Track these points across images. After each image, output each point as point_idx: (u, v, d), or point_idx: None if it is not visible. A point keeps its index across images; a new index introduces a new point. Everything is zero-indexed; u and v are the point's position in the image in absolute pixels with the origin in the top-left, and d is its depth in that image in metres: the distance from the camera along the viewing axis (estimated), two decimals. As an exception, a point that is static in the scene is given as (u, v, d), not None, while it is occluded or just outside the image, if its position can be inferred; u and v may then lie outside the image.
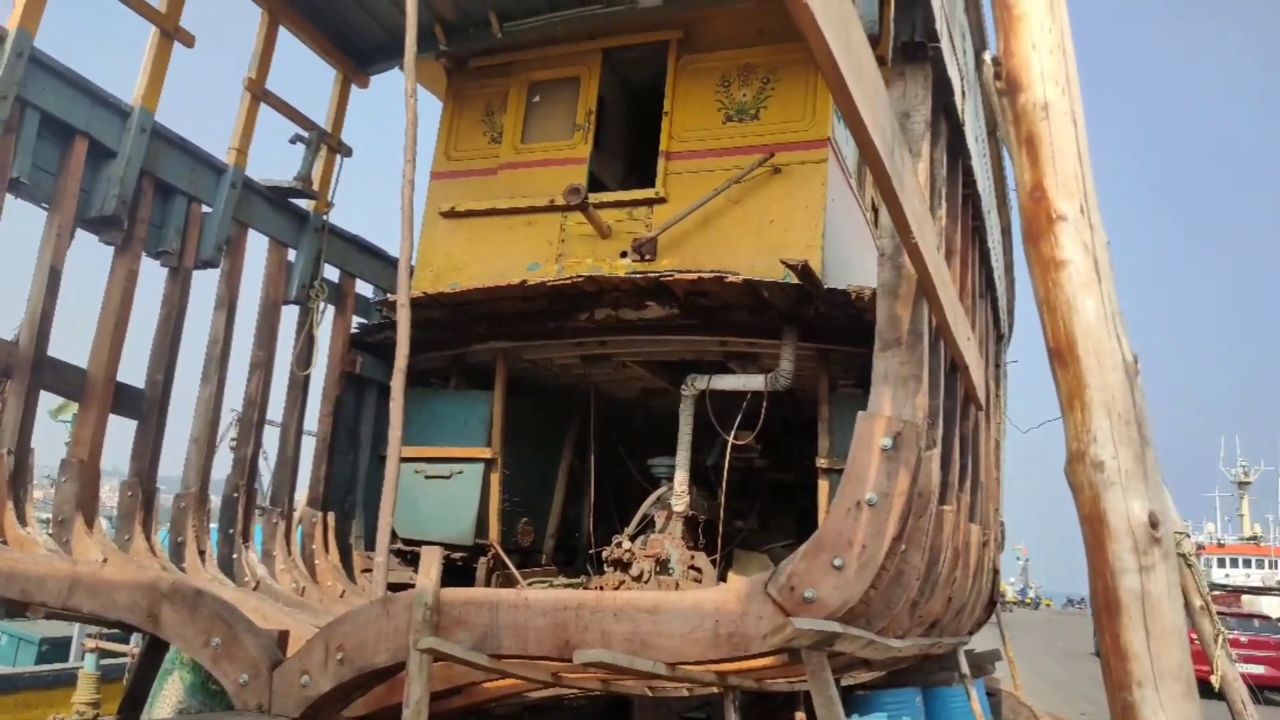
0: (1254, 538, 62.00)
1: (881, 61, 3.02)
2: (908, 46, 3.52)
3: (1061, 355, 1.62)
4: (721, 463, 8.56)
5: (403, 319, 5.12)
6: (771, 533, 8.84)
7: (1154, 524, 1.56)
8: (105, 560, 5.31)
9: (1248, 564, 56.05)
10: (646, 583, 7.10)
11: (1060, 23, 1.73)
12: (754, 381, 7.08)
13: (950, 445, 4.28)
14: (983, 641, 8.72)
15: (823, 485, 6.67)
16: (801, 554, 3.12)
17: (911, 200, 2.75)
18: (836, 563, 3.05)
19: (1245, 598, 37.75)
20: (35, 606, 4.33)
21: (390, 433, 4.98)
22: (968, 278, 5.04)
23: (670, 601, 3.30)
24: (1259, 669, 20.27)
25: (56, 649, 13.46)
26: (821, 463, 6.66)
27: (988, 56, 4.76)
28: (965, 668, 6.11)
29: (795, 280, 6.09)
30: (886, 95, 2.49)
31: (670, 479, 7.79)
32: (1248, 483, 66.07)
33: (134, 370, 6.29)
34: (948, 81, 3.79)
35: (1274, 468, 66.20)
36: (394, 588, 5.91)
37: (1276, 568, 53.19)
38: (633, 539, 7.41)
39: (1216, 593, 47.23)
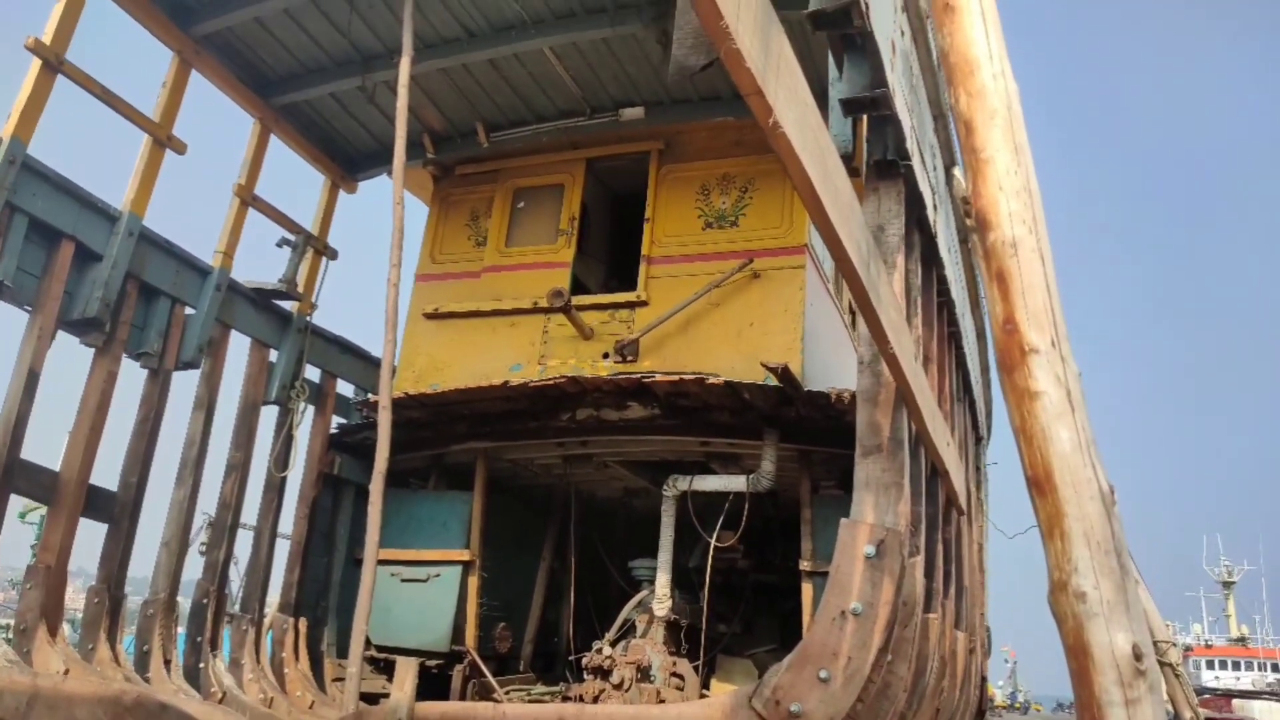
0: (1241, 638, 61.23)
1: (855, 173, 3.14)
2: (880, 164, 3.66)
3: (1040, 484, 1.64)
4: (704, 564, 8.42)
5: (384, 421, 5.12)
6: (756, 637, 8.65)
7: (1138, 656, 1.55)
8: (67, 671, 5.12)
9: (1236, 665, 55.16)
10: (627, 690, 6.89)
11: (1025, 165, 1.83)
12: (736, 482, 7.06)
13: (934, 551, 4.27)
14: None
15: (806, 588, 6.58)
16: (786, 666, 3.07)
17: (888, 311, 2.82)
18: (822, 675, 3.00)
19: (1236, 702, 37.07)
20: (-11, 723, 4.14)
21: (368, 535, 4.91)
22: (945, 382, 5.12)
23: (652, 716, 3.21)
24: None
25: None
26: (805, 565, 6.59)
27: (957, 171, 4.95)
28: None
29: (775, 382, 6.15)
30: (861, 215, 2.58)
31: (652, 581, 7.64)
32: (1232, 582, 65.64)
33: (107, 472, 6.21)
34: (920, 196, 3.93)
35: (1256, 567, 65.96)
36: (366, 698, 5.72)
37: (1265, 670, 52.36)
38: (613, 644, 7.23)
39: (1207, 696, 46.43)
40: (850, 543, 3.12)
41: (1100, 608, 1.56)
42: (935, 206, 4.41)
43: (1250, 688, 45.41)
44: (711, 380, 6.27)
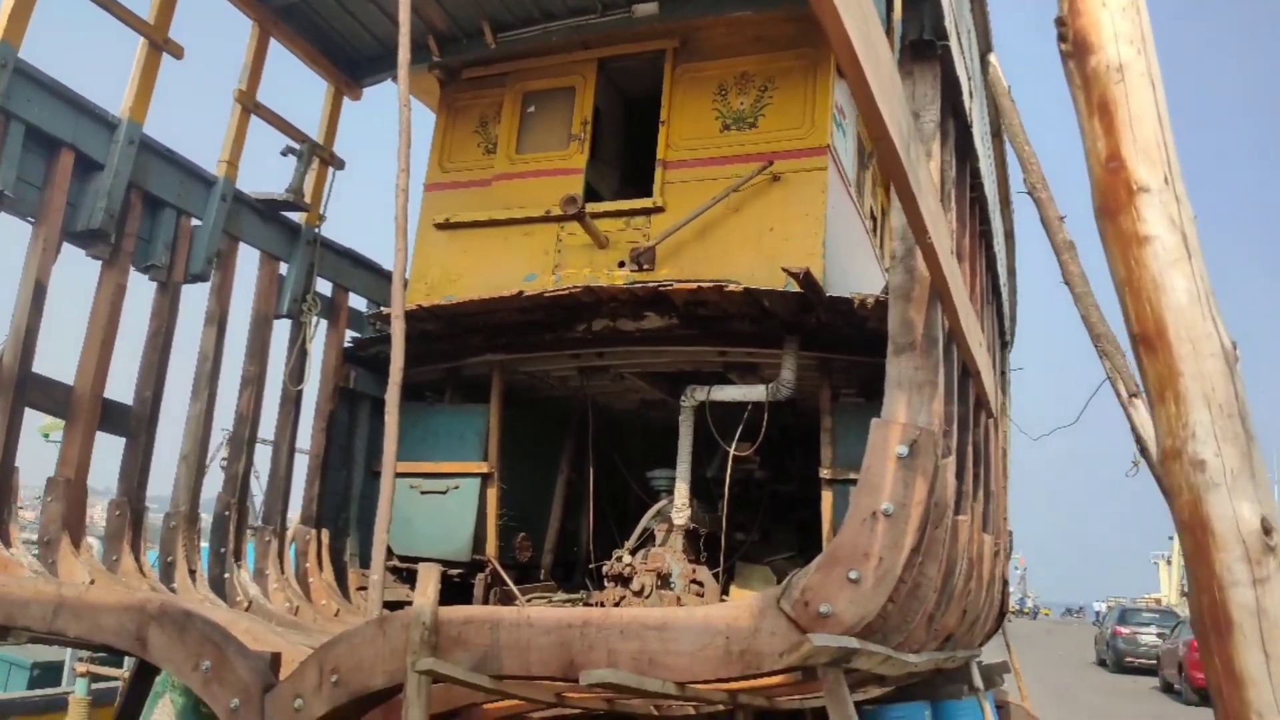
0: (1250, 545, 61.87)
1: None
2: (916, 45, 3.43)
3: (1149, 341, 1.49)
4: (721, 475, 8.43)
5: (398, 331, 5.00)
6: (773, 545, 8.70)
7: (1267, 530, 1.42)
8: (92, 581, 5.17)
9: (1244, 572, 55.82)
10: (648, 597, 6.96)
11: (1133, -23, 1.63)
12: (755, 392, 6.97)
13: (964, 453, 4.18)
14: (987, 653, 8.59)
15: (826, 496, 6.56)
16: (815, 567, 3.00)
17: (927, 199, 2.66)
18: (852, 576, 2.94)
19: None
20: (19, 631, 4.18)
21: (385, 447, 4.85)
22: (976, 283, 4.95)
23: (679, 618, 3.18)
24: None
25: (48, 673, 13.24)
26: (825, 473, 6.55)
27: (993, 58, 4.69)
28: (979, 680, 5.98)
29: (796, 289, 6.00)
30: (902, 89, 2.40)
31: (670, 492, 7.66)
32: (1243, 490, 66.03)
33: (123, 387, 6.17)
34: (956, 81, 3.71)
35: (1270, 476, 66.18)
36: (390, 606, 5.78)
37: (1273, 575, 52.97)
38: (633, 553, 7.29)
39: None
40: (882, 443, 3.02)
41: (1223, 477, 1.43)
42: (971, 95, 4.18)
43: (1257, 593, 46.01)
44: (730, 288, 6.12)
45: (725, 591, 7.37)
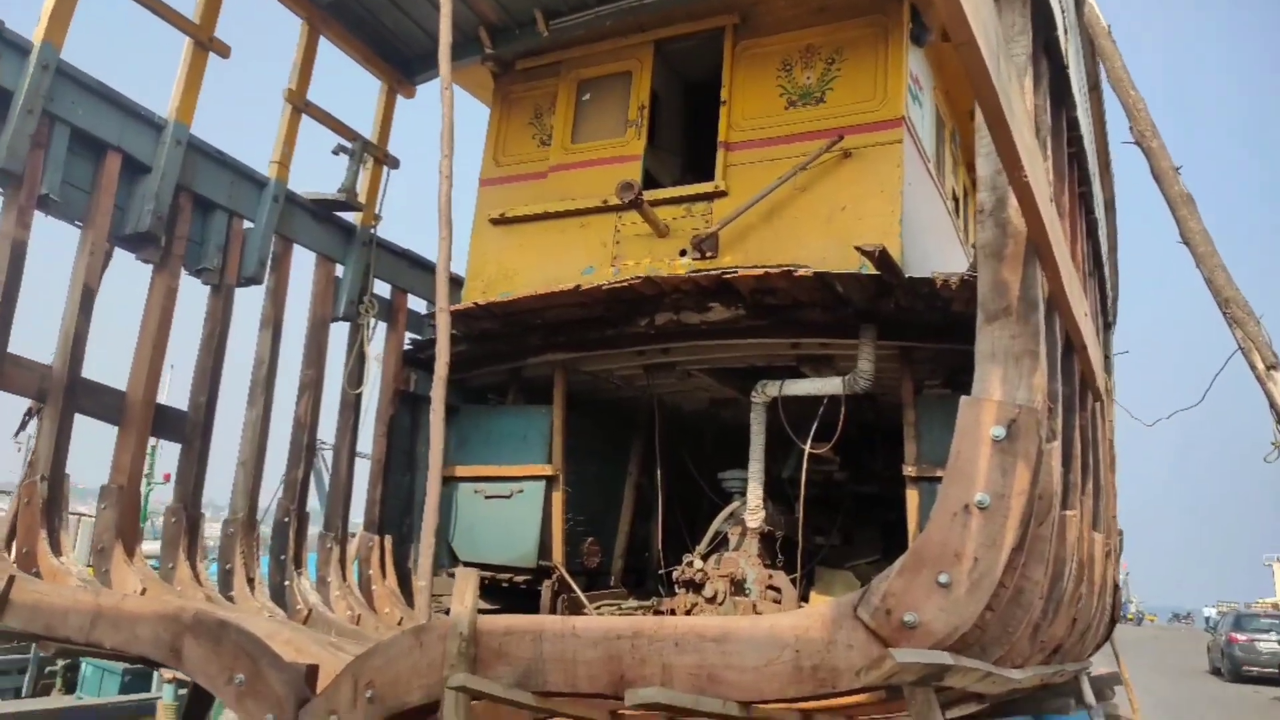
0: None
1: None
2: (1000, -34, 2.99)
3: None
4: (798, 475, 8.00)
5: (442, 323, 4.75)
6: (856, 548, 8.24)
7: None
8: (144, 590, 5.04)
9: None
10: (721, 604, 6.59)
11: None
12: (830, 385, 6.53)
13: (1070, 438, 3.69)
14: (1095, 662, 7.92)
15: (911, 495, 6.08)
16: (898, 570, 2.58)
17: (1021, 129, 2.23)
18: (942, 580, 2.51)
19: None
20: (56, 642, 4.03)
21: (431, 444, 4.61)
22: (1076, 248, 4.42)
23: (742, 629, 2.79)
24: None
25: (139, 679, 13.58)
26: (909, 470, 6.07)
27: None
28: (1090, 697, 5.41)
29: (872, 270, 5.55)
30: (988, -10, 1.97)
31: (743, 493, 7.31)
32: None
33: (178, 393, 6.09)
34: (1049, 12, 3.24)
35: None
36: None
37: None
38: (705, 558, 6.93)
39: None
40: (974, 424, 2.58)
41: None
42: (1066, 33, 3.69)
43: None
44: (800, 272, 5.70)
45: (804, 598, 6.94)
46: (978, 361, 2.65)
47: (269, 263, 6.58)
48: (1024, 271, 2.61)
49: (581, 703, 3.08)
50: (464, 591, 3.18)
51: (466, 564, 7.15)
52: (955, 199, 8.08)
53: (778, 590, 6.79)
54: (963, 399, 2.62)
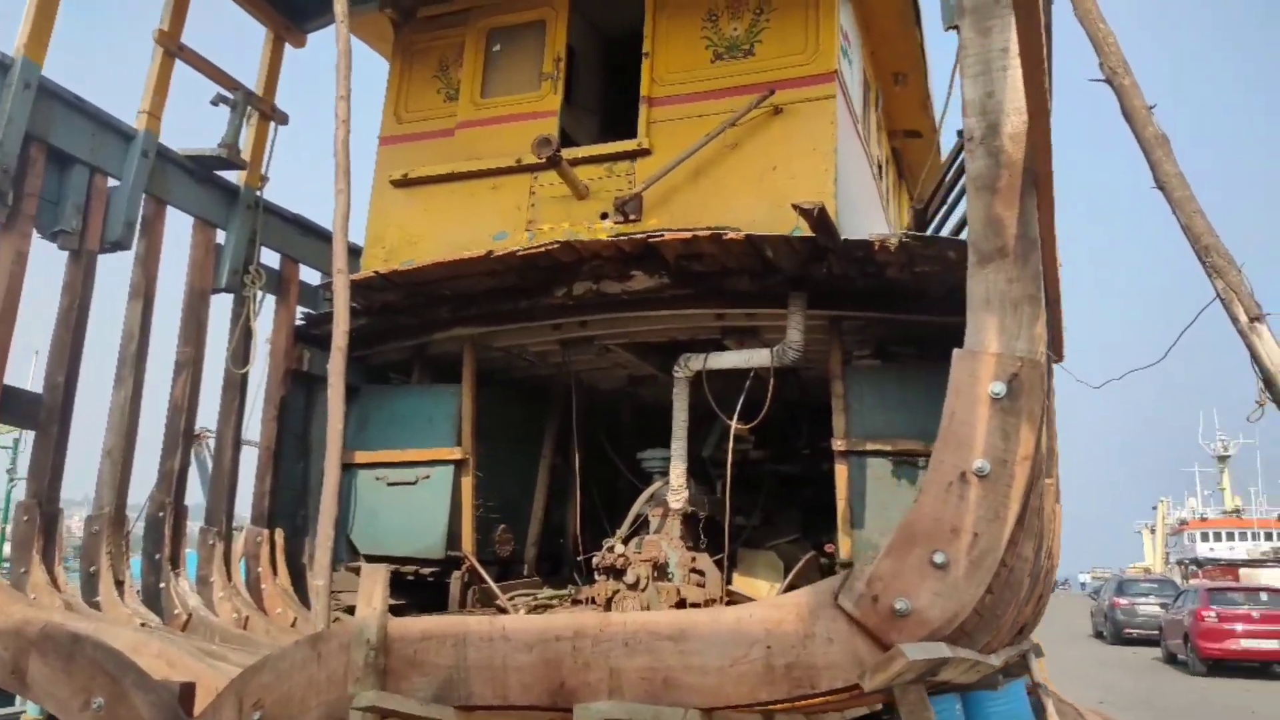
0: (1236, 510, 62.15)
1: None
2: None
3: None
4: (718, 455, 7.72)
5: (340, 286, 4.22)
6: (776, 528, 8.00)
7: None
8: (-12, 600, 4.33)
9: (1231, 536, 56.00)
10: (644, 590, 6.24)
11: None
12: (758, 357, 6.23)
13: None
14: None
15: (840, 470, 5.83)
16: (887, 550, 2.23)
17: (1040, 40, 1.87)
18: (937, 559, 2.18)
19: (1243, 571, 37.35)
20: None
21: (329, 425, 4.09)
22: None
23: (701, 624, 2.40)
24: (1273, 644, 19.67)
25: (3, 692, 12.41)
26: (839, 445, 5.82)
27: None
28: (1037, 673, 5.26)
29: (805, 233, 5.24)
30: None
31: (664, 473, 7.00)
32: (1227, 456, 66.27)
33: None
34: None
35: (1253, 440, 66.46)
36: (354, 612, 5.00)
37: (1259, 539, 53.12)
38: (626, 541, 6.56)
39: (1210, 567, 47.02)
40: (969, 380, 2.25)
41: None
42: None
43: (1247, 556, 46.01)
44: (730, 235, 5.34)
45: (728, 580, 6.66)
46: (970, 310, 2.32)
47: (138, 226, 5.83)
48: (1021, 206, 2.29)
49: (514, 716, 2.64)
50: (371, 591, 2.69)
51: (367, 557, 6.59)
52: (879, 165, 7.88)
53: (701, 574, 6.49)
54: (956, 352, 2.28)
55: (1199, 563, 51.06)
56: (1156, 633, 25.06)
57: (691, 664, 2.38)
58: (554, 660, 2.52)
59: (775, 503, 8.33)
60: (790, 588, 6.27)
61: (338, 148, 4.16)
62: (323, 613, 3.59)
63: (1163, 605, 26.11)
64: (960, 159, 6.16)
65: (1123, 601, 28.69)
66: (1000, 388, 2.22)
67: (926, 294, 5.74)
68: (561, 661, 2.51)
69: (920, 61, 7.93)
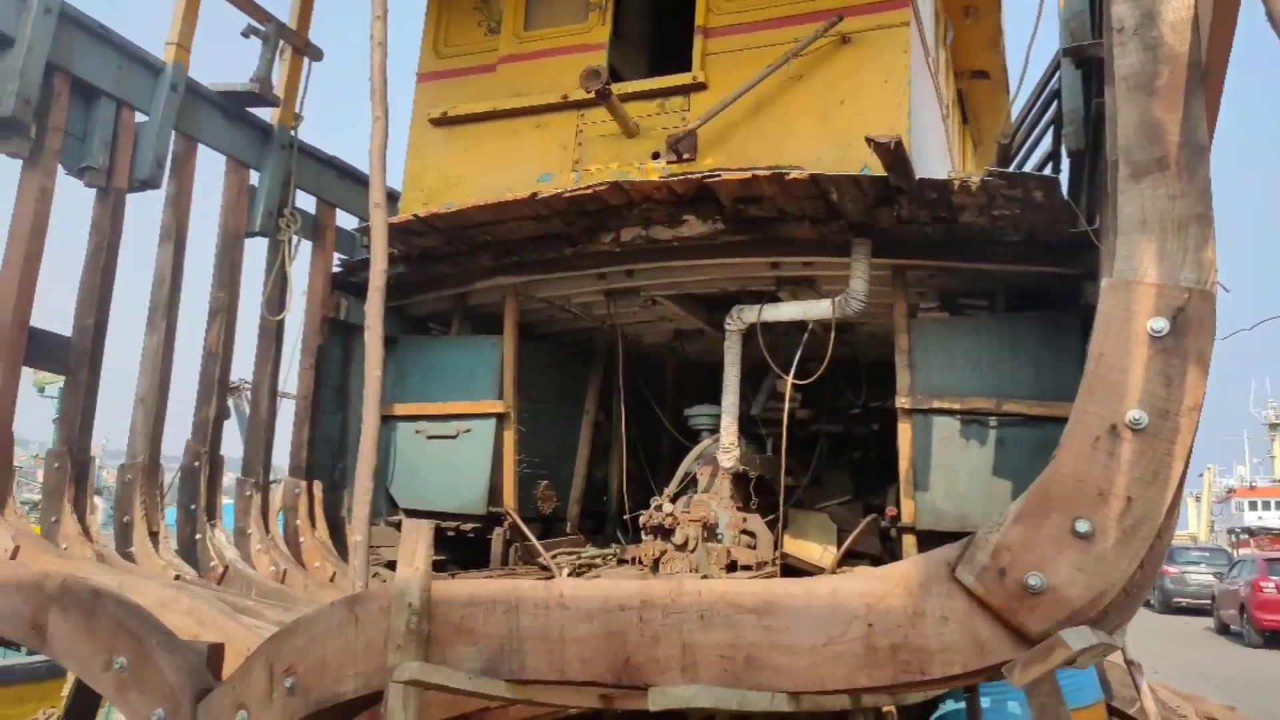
0: (1285, 479, 60.61)
1: None
2: None
3: None
4: (766, 413, 7.40)
5: (378, 222, 3.91)
6: (824, 490, 7.69)
7: None
8: (16, 551, 4.16)
9: (1280, 506, 54.62)
10: (693, 551, 6.00)
11: None
12: (819, 308, 5.86)
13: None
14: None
15: (904, 430, 5.49)
16: (1016, 515, 1.89)
17: None
18: (1081, 528, 1.83)
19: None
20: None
21: (367, 375, 3.81)
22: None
23: (792, 596, 2.08)
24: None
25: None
26: (903, 402, 5.46)
27: None
28: (1127, 646, 4.89)
29: (875, 173, 4.84)
30: None
31: (711, 431, 6.72)
32: (1279, 424, 64.50)
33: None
34: None
35: (1305, 409, 64.56)
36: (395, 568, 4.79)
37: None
38: (674, 500, 6.29)
39: (1262, 536, 46.02)
40: (1123, 315, 1.88)
41: None
42: None
43: (1297, 527, 44.91)
44: (794, 174, 4.95)
45: (778, 543, 6.39)
46: (1121, 232, 1.94)
47: (168, 165, 5.57)
48: (1186, 107, 1.90)
49: (575, 690, 2.36)
50: (414, 550, 2.41)
51: (407, 512, 6.39)
52: (947, 108, 7.39)
53: (752, 535, 6.23)
54: (1105, 281, 1.90)
55: (1251, 531, 49.94)
56: (1208, 602, 24.46)
57: (779, 642, 2.07)
58: (618, 632, 2.22)
59: (824, 463, 8.02)
60: (847, 552, 5.97)
61: (374, 72, 3.83)
62: (361, 569, 3.33)
63: (1215, 575, 25.45)
64: (1048, 89, 5.67)
65: (1172, 570, 28.02)
66: (1162, 324, 1.84)
67: (1001, 241, 5.34)
68: (627, 634, 2.21)
69: None
